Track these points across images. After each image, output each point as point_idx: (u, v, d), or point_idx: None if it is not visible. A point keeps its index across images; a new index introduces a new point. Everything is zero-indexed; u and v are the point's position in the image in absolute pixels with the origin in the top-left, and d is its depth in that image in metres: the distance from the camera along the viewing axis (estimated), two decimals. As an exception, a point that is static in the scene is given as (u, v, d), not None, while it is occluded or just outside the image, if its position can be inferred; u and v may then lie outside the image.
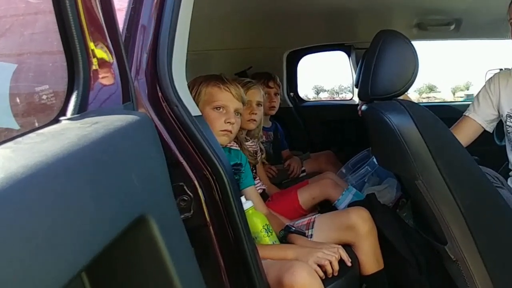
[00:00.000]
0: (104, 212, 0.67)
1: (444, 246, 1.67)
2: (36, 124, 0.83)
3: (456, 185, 1.58)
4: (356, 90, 4.12)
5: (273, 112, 3.39)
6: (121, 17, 1.23)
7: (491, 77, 2.31)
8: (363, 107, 2.00)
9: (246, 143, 2.42)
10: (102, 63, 0.91)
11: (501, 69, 2.41)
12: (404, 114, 1.61)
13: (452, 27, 3.31)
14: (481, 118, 2.29)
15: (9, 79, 0.93)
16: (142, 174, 0.78)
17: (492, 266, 1.61)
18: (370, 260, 1.94)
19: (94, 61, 0.88)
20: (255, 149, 2.56)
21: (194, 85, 1.91)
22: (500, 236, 1.65)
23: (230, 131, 1.91)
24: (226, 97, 1.91)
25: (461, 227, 1.60)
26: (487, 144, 2.59)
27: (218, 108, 1.89)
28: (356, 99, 4.22)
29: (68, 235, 0.60)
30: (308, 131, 4.22)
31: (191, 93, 1.80)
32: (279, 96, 3.43)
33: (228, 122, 1.88)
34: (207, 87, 1.91)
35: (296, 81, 4.34)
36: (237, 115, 1.96)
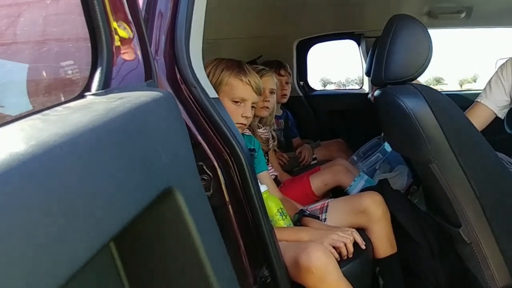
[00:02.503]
0: (133, 183, 0.68)
1: (458, 229, 1.68)
2: (62, 99, 0.84)
3: (471, 167, 1.59)
4: (366, 79, 4.12)
5: (285, 100, 3.40)
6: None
7: (504, 63, 2.31)
8: (376, 92, 2.00)
9: (258, 130, 2.43)
10: (124, 40, 0.92)
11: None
12: (418, 98, 1.61)
13: (463, 15, 3.31)
14: (493, 104, 2.29)
15: (25, 77, 0.95)
16: (168, 148, 0.79)
17: (506, 248, 1.62)
18: (384, 244, 1.94)
19: (117, 38, 0.89)
20: (267, 136, 2.57)
21: (215, 69, 1.90)
22: (515, 218, 1.65)
23: (245, 124, 1.92)
24: (247, 91, 1.90)
25: (476, 210, 1.60)
26: (498, 133, 2.58)
27: (237, 102, 1.89)
28: (366, 88, 4.22)
29: (100, 203, 0.60)
30: (318, 120, 4.22)
31: (209, 76, 1.81)
32: (290, 85, 3.45)
33: (244, 116, 1.89)
34: (229, 76, 1.88)
35: (306, 70, 4.33)
36: (253, 108, 1.96)
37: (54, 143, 0.56)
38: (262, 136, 2.46)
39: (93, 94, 0.80)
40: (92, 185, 0.60)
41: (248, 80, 1.89)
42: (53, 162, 0.55)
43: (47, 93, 0.97)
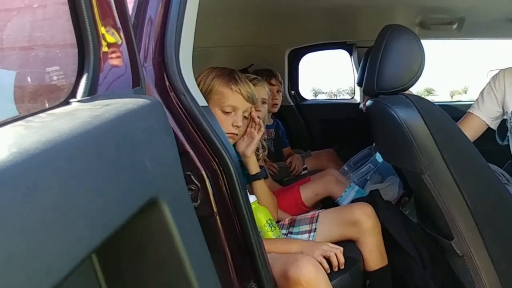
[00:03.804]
0: (117, 193, 0.66)
1: (450, 241, 1.67)
2: (47, 106, 0.82)
3: (463, 179, 1.58)
4: (358, 89, 4.11)
5: (276, 110, 3.39)
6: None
7: (496, 74, 2.31)
8: (368, 102, 1.99)
9: (249, 139, 2.40)
10: (112, 46, 0.90)
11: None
12: (411, 108, 1.60)
13: (455, 26, 3.31)
14: (485, 115, 2.29)
15: (12, 83, 0.93)
16: (154, 157, 0.77)
17: (498, 261, 1.61)
18: (374, 256, 1.93)
19: (104, 44, 0.87)
20: (257, 145, 2.54)
21: (206, 77, 1.86)
22: (507, 231, 1.64)
23: (236, 134, 1.88)
24: (237, 100, 1.86)
25: (468, 222, 1.59)
26: (490, 144, 2.58)
27: (228, 112, 1.85)
28: (357, 98, 4.22)
29: (82, 213, 0.58)
30: (309, 130, 4.20)
31: (200, 84, 1.78)
32: (281, 94, 3.44)
33: (235, 126, 1.85)
34: (219, 85, 1.84)
35: (298, 80, 4.32)
36: (245, 118, 1.92)
37: (36, 151, 0.54)
38: (252, 145, 2.44)
39: (78, 101, 0.78)
40: (73, 195, 0.57)
41: (239, 89, 1.85)
42: (33, 170, 0.53)
43: (32, 99, 0.95)
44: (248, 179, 1.98)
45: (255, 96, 1.94)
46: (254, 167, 1.99)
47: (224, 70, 1.91)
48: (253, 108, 1.93)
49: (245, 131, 1.96)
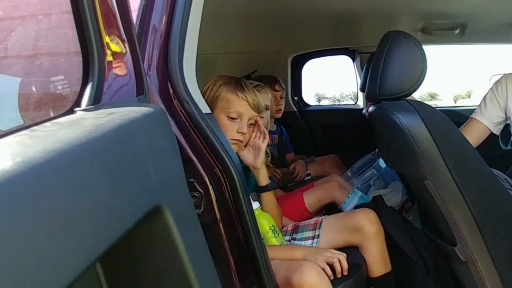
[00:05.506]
0: (121, 201, 0.66)
1: (453, 248, 1.66)
2: (51, 114, 0.83)
3: (466, 184, 1.58)
4: (360, 94, 4.11)
5: (279, 115, 3.39)
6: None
7: (499, 80, 2.31)
8: (370, 108, 2.00)
9: (252, 146, 2.41)
10: (117, 55, 0.91)
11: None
12: (413, 114, 1.61)
13: (457, 31, 3.32)
14: (488, 121, 2.28)
15: (16, 91, 0.94)
16: (158, 165, 0.77)
17: (502, 267, 1.61)
18: (378, 262, 1.92)
19: (109, 53, 0.88)
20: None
21: (213, 84, 1.88)
22: (510, 237, 1.64)
23: (241, 141, 1.88)
24: (242, 106, 1.86)
25: (471, 228, 1.59)
26: (493, 149, 2.58)
27: (233, 118, 1.85)
28: (360, 104, 4.22)
29: (86, 221, 0.59)
30: (312, 135, 4.21)
31: (208, 91, 1.80)
32: (283, 99, 3.44)
33: (240, 132, 1.85)
34: (226, 92, 1.86)
35: (301, 85, 4.33)
36: (250, 125, 1.92)
37: (40, 160, 0.54)
38: (255, 151, 2.44)
39: (83, 110, 0.79)
40: (77, 203, 0.58)
41: (245, 96, 1.86)
42: (38, 179, 0.53)
43: (37, 108, 0.96)
44: (257, 190, 1.98)
45: (261, 105, 1.94)
46: (264, 179, 1.98)
47: (231, 78, 1.93)
48: (259, 117, 1.93)
49: (248, 140, 1.94)
